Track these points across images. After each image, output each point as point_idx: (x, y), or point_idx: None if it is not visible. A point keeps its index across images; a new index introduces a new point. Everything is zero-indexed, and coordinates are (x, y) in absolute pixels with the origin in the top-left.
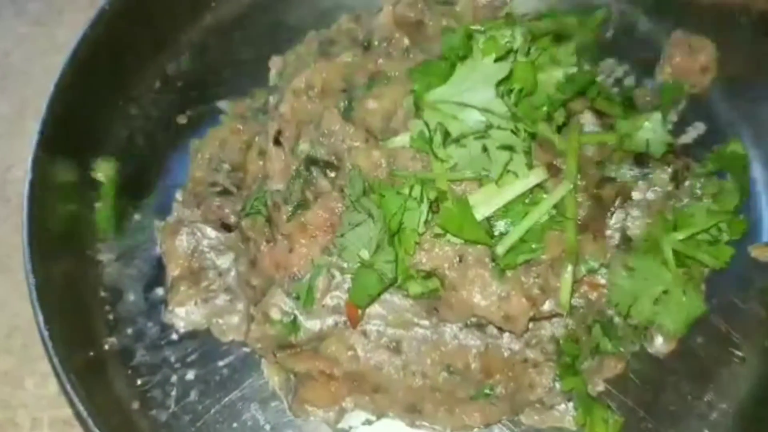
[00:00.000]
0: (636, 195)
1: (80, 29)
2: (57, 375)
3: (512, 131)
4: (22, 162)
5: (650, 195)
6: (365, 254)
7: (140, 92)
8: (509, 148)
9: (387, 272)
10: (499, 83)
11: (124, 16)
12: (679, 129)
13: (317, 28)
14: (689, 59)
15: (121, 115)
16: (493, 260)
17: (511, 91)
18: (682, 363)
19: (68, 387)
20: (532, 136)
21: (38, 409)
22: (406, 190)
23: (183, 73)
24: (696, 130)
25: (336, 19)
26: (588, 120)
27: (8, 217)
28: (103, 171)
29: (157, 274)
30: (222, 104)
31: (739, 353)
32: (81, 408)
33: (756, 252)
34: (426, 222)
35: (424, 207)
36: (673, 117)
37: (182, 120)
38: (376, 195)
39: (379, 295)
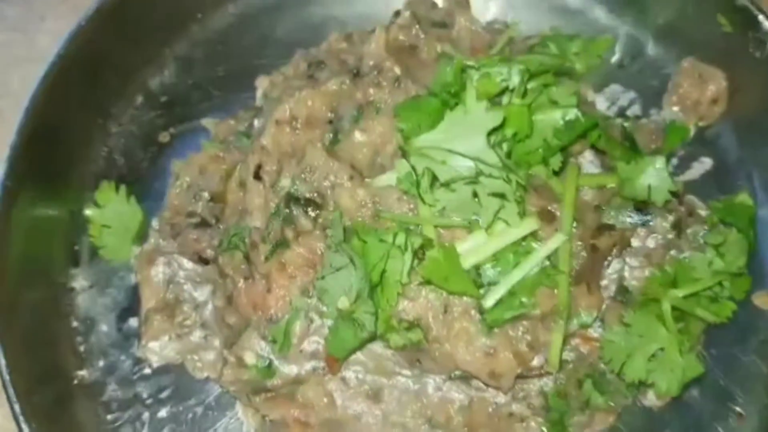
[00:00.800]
0: (635, 243)
1: (62, 37)
2: (15, 418)
3: (504, 180)
4: None
5: (650, 243)
6: (344, 302)
7: (121, 109)
8: (500, 195)
9: (366, 324)
10: (491, 132)
11: (105, 28)
12: (684, 164)
13: (307, 43)
14: (698, 89)
15: (100, 131)
16: (480, 312)
17: (503, 141)
18: (676, 417)
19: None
20: (524, 185)
21: None
22: (390, 238)
23: (167, 89)
24: (702, 165)
25: (326, 34)
26: (587, 159)
27: None
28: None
29: (131, 303)
30: (206, 122)
31: (738, 409)
32: None
33: (759, 301)
34: (410, 271)
35: (408, 256)
36: (679, 151)
37: (164, 138)
38: (358, 241)
39: (358, 349)
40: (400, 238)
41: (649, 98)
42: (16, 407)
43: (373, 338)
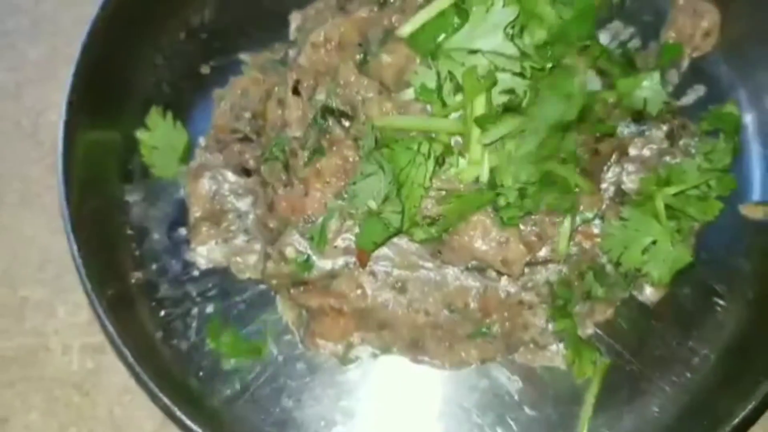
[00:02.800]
0: (632, 151)
1: None
2: (90, 302)
3: (515, 73)
4: (54, 107)
5: (646, 151)
6: (373, 204)
7: (166, 43)
8: (510, 91)
9: (393, 221)
10: (507, 26)
11: None
12: (680, 91)
13: None
14: (693, 23)
15: (148, 64)
16: (495, 208)
17: (521, 31)
18: (668, 311)
19: (100, 313)
20: (540, 68)
21: (69, 337)
22: (415, 145)
23: (206, 26)
24: (696, 92)
25: None
26: (591, 79)
27: (41, 159)
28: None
29: (180, 215)
30: (244, 56)
31: (723, 303)
32: (113, 332)
33: (746, 210)
34: (432, 176)
35: (431, 163)
36: (675, 79)
37: (205, 70)
38: (387, 149)
39: (384, 242)
40: (424, 147)
41: (647, 32)
42: (94, 300)
43: (398, 232)
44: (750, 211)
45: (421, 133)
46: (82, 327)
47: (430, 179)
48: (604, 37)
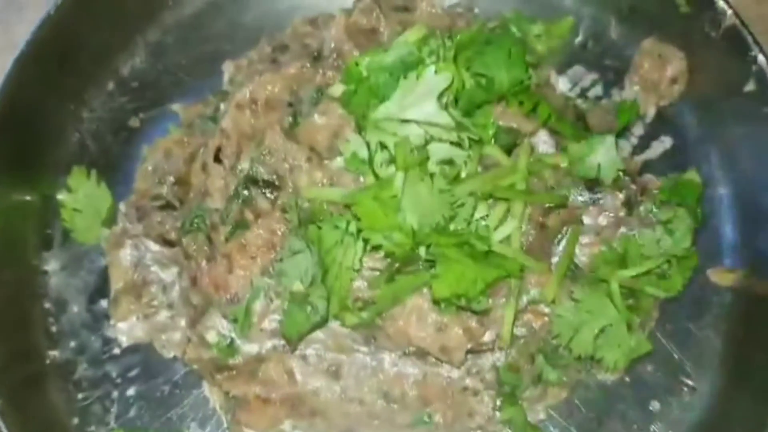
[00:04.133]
0: (586, 220)
1: None
2: None
3: (453, 143)
4: None
5: (601, 220)
6: (299, 286)
7: (92, 94)
8: (448, 162)
9: (319, 308)
10: (441, 94)
11: (77, 14)
12: (644, 143)
13: (274, 29)
14: (658, 69)
15: (72, 117)
16: (431, 290)
17: (462, 107)
18: (630, 391)
19: None
20: (478, 140)
21: None
22: (344, 224)
23: (138, 74)
24: (662, 144)
25: (293, 20)
26: (542, 139)
27: None
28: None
29: (102, 284)
30: (176, 107)
31: (690, 383)
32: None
33: (715, 276)
34: (362, 258)
35: (360, 244)
36: (639, 130)
37: (135, 123)
38: (314, 227)
39: (310, 332)
40: (353, 226)
41: (610, 79)
42: None
43: (325, 322)
44: (720, 278)
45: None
46: None
47: (361, 261)
48: (563, 83)
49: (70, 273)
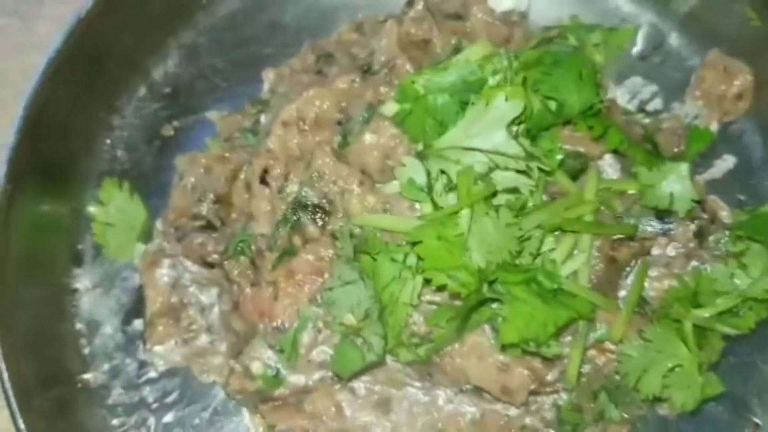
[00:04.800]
0: (655, 251)
1: (62, 25)
2: (12, 417)
3: (519, 171)
4: None
5: (670, 251)
6: (351, 319)
7: (123, 101)
8: (513, 190)
9: (375, 346)
10: (511, 123)
11: (107, 17)
12: (706, 162)
13: (316, 29)
14: (723, 83)
15: (103, 125)
16: (493, 328)
17: (528, 130)
18: (691, 426)
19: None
20: (547, 170)
21: None
22: (401, 256)
23: (170, 79)
24: (725, 163)
25: (336, 20)
26: (608, 163)
27: None
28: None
29: (136, 304)
30: (211, 115)
31: (755, 419)
32: None
33: None
34: (420, 293)
35: (419, 278)
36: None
37: (168, 131)
38: (368, 258)
39: (363, 371)
40: (412, 258)
41: (671, 91)
42: (15, 411)
43: (380, 361)
44: None
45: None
46: None
47: (418, 296)
48: (621, 96)
49: (102, 291)
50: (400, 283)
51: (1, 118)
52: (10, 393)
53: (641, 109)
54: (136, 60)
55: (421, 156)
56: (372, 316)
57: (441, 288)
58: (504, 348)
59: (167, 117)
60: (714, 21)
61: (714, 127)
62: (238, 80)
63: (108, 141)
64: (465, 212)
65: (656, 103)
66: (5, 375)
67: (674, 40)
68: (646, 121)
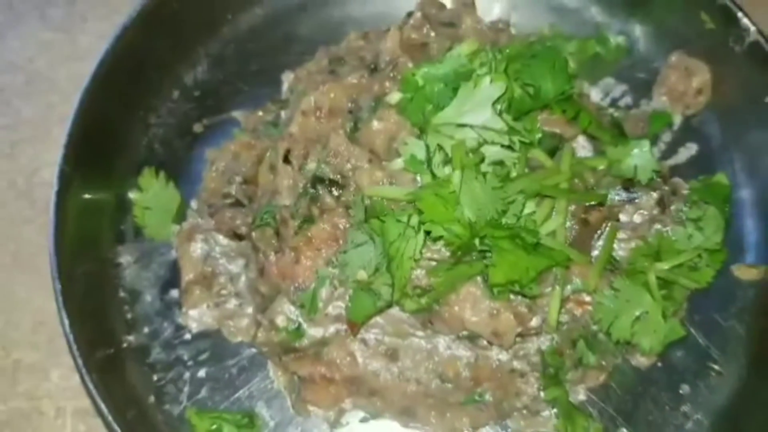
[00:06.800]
0: (623, 218)
1: (102, 37)
2: (79, 372)
3: (504, 146)
4: (48, 166)
5: (637, 218)
6: (363, 275)
7: (159, 102)
8: (499, 163)
9: (384, 294)
10: (496, 101)
11: (146, 28)
12: (671, 150)
13: (328, 40)
14: (685, 81)
15: (142, 123)
16: (485, 279)
17: (509, 105)
18: (662, 375)
19: (89, 384)
20: (528, 142)
21: (62, 399)
22: (405, 218)
23: (200, 84)
24: (688, 150)
25: (345, 32)
26: (580, 144)
27: (34, 218)
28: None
29: (172, 276)
30: (237, 114)
31: (717, 367)
32: (99, 402)
33: (739, 272)
34: (422, 248)
35: (421, 236)
36: (667, 137)
37: (198, 129)
38: (377, 220)
39: (374, 315)
40: (414, 219)
41: (639, 90)
42: (81, 366)
43: (389, 306)
44: (743, 273)
45: (411, 204)
46: (75, 390)
47: (420, 251)
48: (595, 94)
49: (142, 266)
50: (405, 240)
51: (51, 117)
52: (76, 352)
53: (613, 105)
54: (170, 67)
55: (416, 133)
56: (381, 270)
57: (438, 239)
58: (492, 289)
59: (197, 116)
60: (675, 27)
61: (677, 119)
62: (259, 84)
63: (146, 136)
64: (457, 173)
65: (626, 100)
66: (71, 337)
67: (641, 45)
68: (616, 113)
